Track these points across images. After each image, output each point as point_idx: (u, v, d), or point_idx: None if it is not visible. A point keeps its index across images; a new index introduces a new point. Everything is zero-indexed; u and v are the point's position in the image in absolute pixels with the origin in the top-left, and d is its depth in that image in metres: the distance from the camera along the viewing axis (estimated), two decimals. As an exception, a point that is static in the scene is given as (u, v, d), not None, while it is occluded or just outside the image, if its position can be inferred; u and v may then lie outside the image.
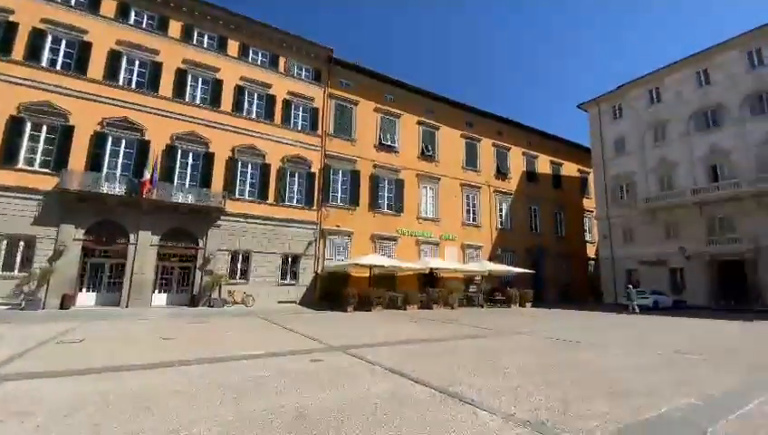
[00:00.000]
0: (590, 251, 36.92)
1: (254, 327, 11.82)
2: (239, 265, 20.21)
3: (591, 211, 36.41)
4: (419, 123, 27.77)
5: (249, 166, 21.14)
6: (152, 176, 17.61)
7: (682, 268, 27.42)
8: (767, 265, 23.54)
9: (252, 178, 21.14)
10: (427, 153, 27.54)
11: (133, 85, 19.06)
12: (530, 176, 33.86)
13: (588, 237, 37.43)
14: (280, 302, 20.48)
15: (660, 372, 6.40)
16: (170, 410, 4.06)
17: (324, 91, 24.11)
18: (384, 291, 20.18)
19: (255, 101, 22.07)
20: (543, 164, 35.25)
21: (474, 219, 29.28)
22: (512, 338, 10.37)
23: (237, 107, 21.35)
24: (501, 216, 31.05)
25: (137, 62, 19.32)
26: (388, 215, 24.87)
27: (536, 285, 29.41)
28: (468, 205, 29.24)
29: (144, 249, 17.92)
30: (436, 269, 23.84)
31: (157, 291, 18.56)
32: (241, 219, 20.35)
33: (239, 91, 21.55)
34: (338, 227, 22.70)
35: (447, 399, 4.69)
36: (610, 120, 33.84)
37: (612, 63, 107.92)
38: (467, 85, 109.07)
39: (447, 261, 25.44)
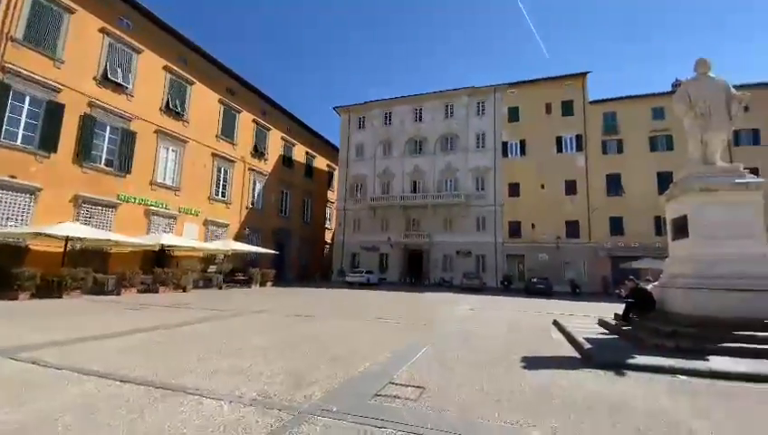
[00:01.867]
0: (328, 236, 42.18)
1: None
2: None
3: (333, 202, 41.63)
4: (167, 69, 22.94)
5: None
6: None
7: (387, 254, 35.83)
8: (434, 255, 34.36)
9: None
10: (175, 109, 23.23)
11: None
12: (286, 161, 34.90)
13: (328, 225, 42.58)
14: None
15: (368, 335, 7.94)
16: None
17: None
18: (88, 272, 15.42)
19: None
20: (299, 152, 37.20)
21: (223, 195, 27.21)
22: (249, 317, 10.23)
23: None
24: (254, 195, 30.40)
25: None
26: (106, 173, 19.11)
27: (279, 265, 30.72)
28: (219, 178, 26.88)
29: None
30: (170, 247, 20.51)
31: None
32: None
33: None
34: (12, 177, 15.44)
35: (168, 394, 3.99)
36: (356, 128, 39.79)
37: (378, 75, 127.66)
38: (236, 60, 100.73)
39: (186, 238, 22.41)
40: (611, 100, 32.27)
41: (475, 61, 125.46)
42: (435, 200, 34.38)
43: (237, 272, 24.17)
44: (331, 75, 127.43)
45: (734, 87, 8.45)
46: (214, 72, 26.56)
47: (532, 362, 5.93)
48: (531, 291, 25.83)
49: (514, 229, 32.75)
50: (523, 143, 33.90)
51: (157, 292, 17.42)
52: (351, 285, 27.46)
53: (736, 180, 7.69)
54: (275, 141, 33.38)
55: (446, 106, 36.70)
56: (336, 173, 41.94)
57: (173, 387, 4.21)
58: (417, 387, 4.48)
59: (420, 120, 37.43)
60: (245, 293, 19.51)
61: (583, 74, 33.07)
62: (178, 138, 23.49)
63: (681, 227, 8.21)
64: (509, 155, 34.11)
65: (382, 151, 38.21)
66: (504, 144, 34.25)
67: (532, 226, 32.06)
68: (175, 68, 23.40)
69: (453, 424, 3.41)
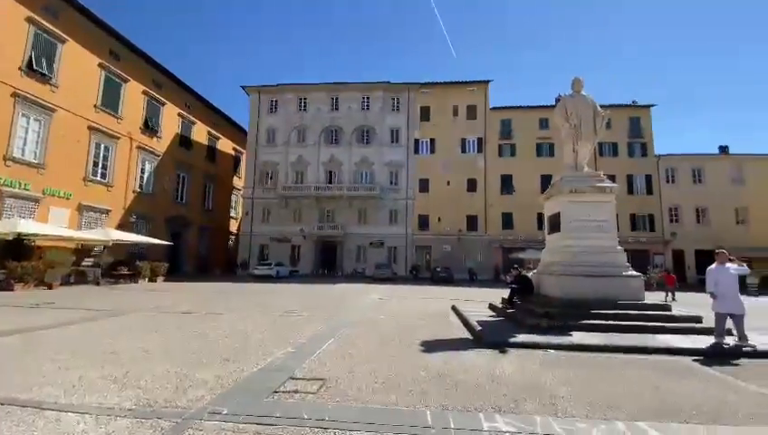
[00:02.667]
0: (234, 226, 39.27)
1: None
2: None
3: (240, 190, 38.82)
4: (31, 21, 18.68)
5: None
6: None
7: (300, 245, 34.83)
8: (348, 247, 34.46)
9: None
10: (40, 69, 19.03)
11: None
12: (184, 141, 31.35)
13: (233, 213, 39.61)
14: None
15: (270, 330, 7.59)
16: None
17: None
18: None
19: None
20: (200, 132, 33.76)
21: (103, 176, 23.30)
22: (129, 317, 8.96)
23: None
24: (142, 177, 26.66)
25: None
26: (-73, 140, 14.84)
27: (175, 257, 27.64)
28: (98, 156, 22.91)
29: None
30: (30, 236, 16.84)
31: None
32: None
33: None
34: None
35: (15, 411, 3.25)
36: (268, 111, 37.56)
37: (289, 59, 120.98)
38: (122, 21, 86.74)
39: (52, 225, 18.64)
40: (508, 108, 36.02)
41: (392, 58, 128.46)
42: (351, 192, 34.43)
43: (121, 265, 20.97)
44: (241, 49, 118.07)
45: (600, 105, 10.08)
46: (93, 31, 22.44)
47: (431, 346, 6.31)
48: (435, 279, 27.72)
49: (423, 222, 34.64)
50: (432, 142, 35.87)
51: (11, 289, 14.23)
52: (259, 279, 26.06)
53: (598, 184, 9.21)
54: (171, 118, 29.72)
55: (363, 98, 36.84)
56: (244, 158, 39.13)
57: (24, 402, 3.44)
58: (318, 380, 4.40)
59: (337, 109, 36.94)
60: (128, 289, 17.08)
61: (486, 82, 36.23)
62: (44, 105, 19.40)
63: (555, 223, 9.56)
64: (420, 152, 35.80)
65: (296, 138, 36.81)
66: (417, 141, 35.83)
67: (438, 219, 34.30)
68: (41, 20, 19.21)
69: (350, 414, 3.42)
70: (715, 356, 5.89)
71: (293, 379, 4.44)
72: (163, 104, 28.51)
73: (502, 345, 6.34)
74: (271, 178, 36.28)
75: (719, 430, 3.30)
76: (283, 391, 4.00)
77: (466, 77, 43.65)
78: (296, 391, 4.00)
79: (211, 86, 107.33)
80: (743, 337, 6.20)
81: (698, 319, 7.66)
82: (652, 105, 35.47)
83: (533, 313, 8.30)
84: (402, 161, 35.44)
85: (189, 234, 31.33)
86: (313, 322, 8.74)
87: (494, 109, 35.94)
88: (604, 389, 4.33)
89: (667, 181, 34.17)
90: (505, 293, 10.81)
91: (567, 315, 7.72)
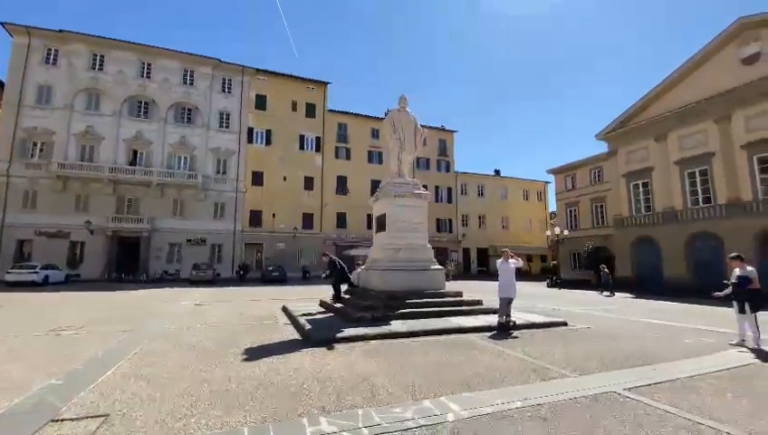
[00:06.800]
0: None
1: None
2: None
3: (-17, 163, 27.43)
4: None
5: None
6: None
7: (84, 242, 27.18)
8: (156, 244, 28.90)
9: None
10: None
11: None
12: None
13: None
14: None
15: (29, 356, 5.49)
16: None
17: None
18: None
19: None
20: None
21: None
22: None
23: None
24: None
25: None
26: None
27: None
28: None
29: None
30: None
31: None
32: None
33: None
34: None
35: None
36: (42, 60, 28.02)
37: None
38: None
39: None
40: (345, 113, 37.79)
41: (229, 42, 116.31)
42: (163, 179, 29.10)
43: None
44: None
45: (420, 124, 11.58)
46: None
47: (256, 353, 5.80)
48: (267, 279, 26.37)
49: (255, 218, 32.52)
50: (269, 133, 34.14)
51: None
52: (15, 287, 18.98)
53: (416, 191, 10.53)
54: None
55: (186, 72, 31.81)
56: (-7, 119, 27.91)
57: None
58: (97, 417, 3.36)
59: (149, 77, 30.65)
60: None
61: (325, 83, 37.03)
62: None
63: (382, 223, 10.45)
64: (255, 142, 33.52)
65: (86, 104, 28.71)
66: (251, 130, 33.38)
67: (273, 215, 32.89)
68: None
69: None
70: (500, 331, 7.52)
71: (57, 421, 3.25)
72: None
73: (329, 342, 6.41)
74: (41, 150, 27.11)
75: (493, 391, 4.13)
76: (33, 445, 2.86)
77: (307, 75, 43.41)
78: (55, 442, 2.92)
79: (-69, 5, 72.30)
80: (509, 315, 8.12)
81: (479, 302, 9.69)
82: (455, 131, 43.73)
83: (360, 306, 8.79)
84: (233, 149, 32.36)
85: None
86: (98, 339, 6.81)
87: (332, 111, 37.06)
88: (413, 371, 4.87)
89: (462, 193, 42.78)
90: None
91: (389, 307, 8.49)
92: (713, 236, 19.18)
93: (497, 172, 46.30)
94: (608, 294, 18.57)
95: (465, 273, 38.96)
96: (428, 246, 10.47)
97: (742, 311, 6.51)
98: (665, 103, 22.08)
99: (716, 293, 7.03)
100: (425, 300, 9.08)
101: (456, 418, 3.38)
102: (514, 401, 3.77)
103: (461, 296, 9.97)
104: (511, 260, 8.24)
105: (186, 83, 31.61)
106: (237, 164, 32.24)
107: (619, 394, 4.03)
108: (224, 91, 32.90)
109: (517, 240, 42.13)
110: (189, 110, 31.59)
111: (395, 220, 10.07)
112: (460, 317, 8.52)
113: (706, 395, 4.06)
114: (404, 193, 10.28)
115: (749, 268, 6.62)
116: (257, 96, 34.08)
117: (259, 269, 30.19)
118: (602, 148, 27.07)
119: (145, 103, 30.37)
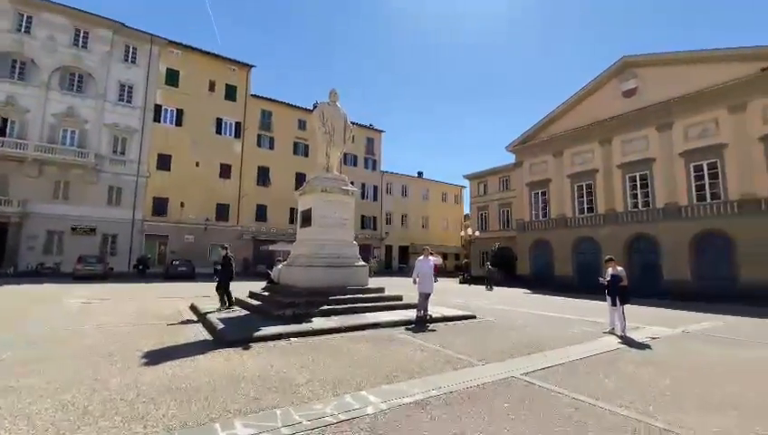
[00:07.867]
0: None
1: None
2: None
3: None
4: None
5: None
6: None
7: None
8: (30, 232, 24.21)
9: None
10: None
11: None
12: None
13: None
14: None
15: None
16: None
17: None
18: None
19: None
20: None
21: None
22: None
23: None
24: None
25: None
26: None
27: None
28: None
29: None
30: None
31: None
32: None
33: None
34: None
35: None
36: None
37: None
38: None
39: None
40: (269, 100, 35.88)
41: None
42: (43, 154, 24.54)
43: None
44: None
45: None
46: None
47: (159, 357, 5.23)
48: (171, 274, 23.82)
49: (160, 206, 29.19)
50: (180, 112, 30.88)
51: None
52: None
53: (344, 187, 10.47)
54: None
55: (78, 31, 27.21)
56: None
57: None
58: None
59: (27, 32, 25.56)
60: None
61: (248, 66, 34.73)
62: None
63: (307, 218, 10.19)
64: (162, 121, 30.04)
65: (-70, 54, 22.80)
66: (158, 107, 29.83)
67: (182, 204, 29.87)
68: None
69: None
70: (418, 325, 7.86)
71: None
72: None
73: (245, 342, 6.06)
74: None
75: (411, 382, 4.32)
76: None
77: (229, 54, 39.92)
78: None
79: None
80: (426, 309, 8.53)
81: (400, 298, 10.04)
82: (383, 131, 44.58)
83: (281, 303, 8.47)
84: (135, 127, 28.62)
85: None
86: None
87: (255, 97, 34.95)
88: (335, 367, 4.87)
89: (387, 192, 43.81)
90: (254, 286, 10.53)
91: (311, 304, 8.32)
92: (593, 240, 22.61)
93: (420, 174, 48.39)
94: (489, 288, 20.83)
95: (386, 269, 40.04)
96: (354, 242, 10.52)
97: (613, 304, 7.78)
98: (563, 123, 25.33)
99: (601, 279, 8.29)
100: (348, 296, 9.11)
101: (375, 410, 3.47)
102: (431, 391, 4.00)
103: (383, 292, 10.21)
104: (431, 257, 8.69)
105: (77, 45, 26.99)
106: (140, 144, 28.57)
107: (518, 378, 4.54)
108: (126, 60, 28.85)
109: (435, 239, 44.60)
110: (81, 76, 27.05)
111: (322, 215, 9.90)
112: (382, 312, 8.72)
113: (584, 375, 4.79)
114: (332, 188, 10.15)
115: (619, 268, 7.97)
116: (169, 70, 30.57)
117: (162, 264, 27.16)
118: (512, 158, 29.98)
119: (21, 63, 25.21)
